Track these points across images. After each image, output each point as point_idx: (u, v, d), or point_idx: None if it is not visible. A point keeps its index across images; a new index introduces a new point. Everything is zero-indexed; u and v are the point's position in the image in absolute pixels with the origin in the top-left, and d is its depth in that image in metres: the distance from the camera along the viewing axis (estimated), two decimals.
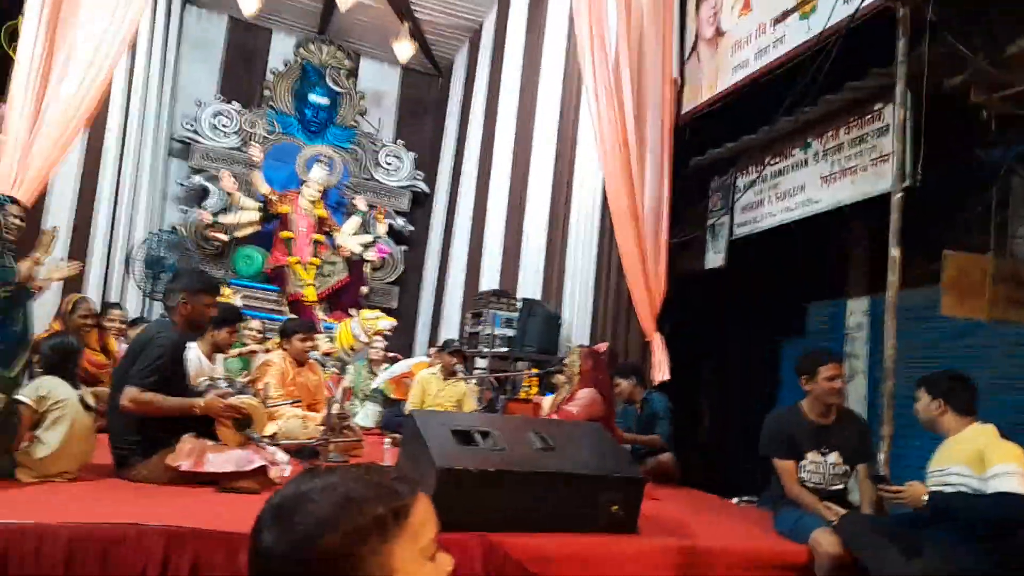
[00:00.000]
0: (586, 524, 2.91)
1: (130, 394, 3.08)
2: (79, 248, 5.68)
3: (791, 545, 3.14)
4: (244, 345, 6.03)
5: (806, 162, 5.08)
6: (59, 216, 6.49)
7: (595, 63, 5.85)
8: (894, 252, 3.45)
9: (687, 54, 5.96)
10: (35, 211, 5.41)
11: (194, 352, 3.88)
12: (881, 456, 3.27)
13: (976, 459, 2.81)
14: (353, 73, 10.96)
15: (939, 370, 3.14)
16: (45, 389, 2.99)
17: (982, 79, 3.73)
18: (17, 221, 4.22)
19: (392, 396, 6.39)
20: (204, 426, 3.24)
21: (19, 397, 2.95)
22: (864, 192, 4.52)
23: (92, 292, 6.59)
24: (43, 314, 4.66)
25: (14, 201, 4.35)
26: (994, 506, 2.71)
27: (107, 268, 7.52)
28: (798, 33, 4.66)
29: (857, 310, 5.45)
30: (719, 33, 5.58)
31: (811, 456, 3.34)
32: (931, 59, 3.73)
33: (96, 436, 3.20)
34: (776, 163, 5.33)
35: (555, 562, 2.73)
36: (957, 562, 2.69)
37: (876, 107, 4.52)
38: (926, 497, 2.87)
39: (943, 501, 2.85)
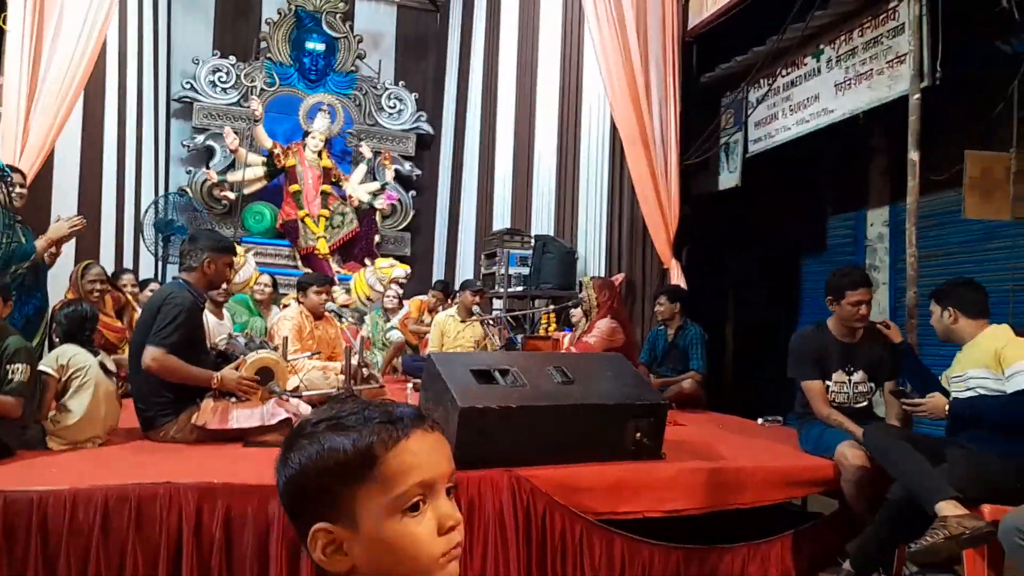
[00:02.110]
0: (611, 453, 2.92)
1: (153, 353, 3.09)
2: (89, 217, 5.67)
3: (817, 460, 3.15)
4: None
5: (819, 70, 4.90)
6: (66, 185, 6.45)
7: None
8: (913, 156, 3.33)
9: None
10: (42, 182, 5.37)
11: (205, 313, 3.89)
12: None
13: (994, 360, 2.77)
14: (348, 16, 10.68)
15: (949, 280, 3.06)
16: (65, 357, 3.02)
17: None
18: (18, 188, 4.20)
19: (410, 343, 6.42)
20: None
21: (42, 367, 2.98)
22: (881, 97, 4.36)
23: (106, 259, 6.60)
24: (59, 285, 4.69)
25: (15, 170, 4.32)
26: (1014, 405, 2.67)
27: (119, 234, 7.52)
28: None
29: (877, 220, 5.33)
30: None
31: (836, 376, 3.29)
32: None
33: (120, 401, 3.24)
34: (788, 74, 5.15)
35: (583, 491, 2.76)
36: (982, 465, 2.68)
37: (890, 5, 4.32)
38: (947, 407, 2.84)
39: (963, 407, 2.82)
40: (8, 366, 2.76)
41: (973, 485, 2.61)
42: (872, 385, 3.34)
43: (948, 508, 2.47)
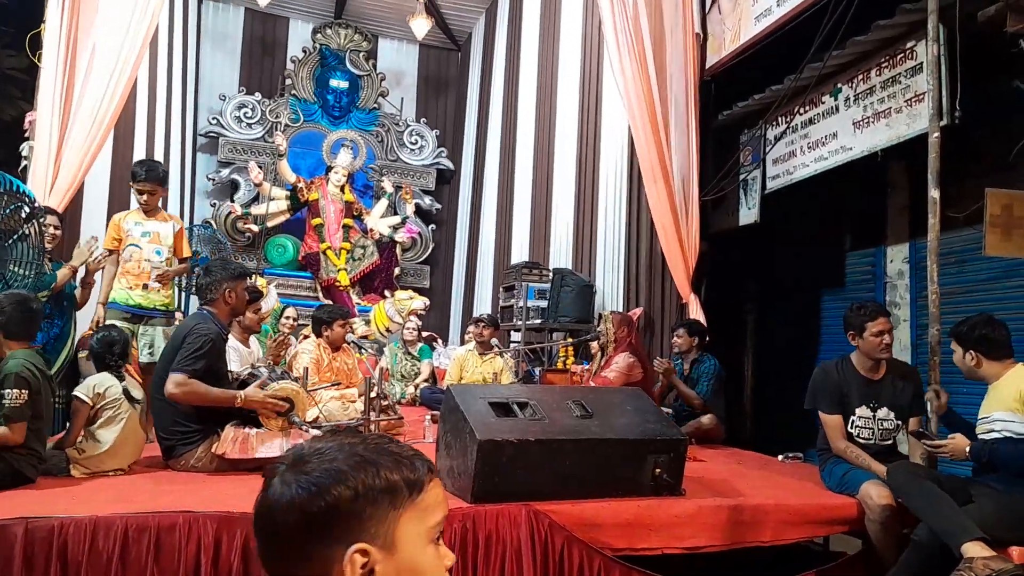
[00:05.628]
0: (631, 489, 2.90)
1: (176, 379, 3.13)
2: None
3: (840, 499, 3.11)
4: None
5: (837, 108, 4.93)
6: (95, 219, 6.58)
7: (615, 22, 5.72)
8: (934, 193, 3.33)
9: (708, 6, 5.80)
10: (71, 215, 5.48)
11: (231, 342, 3.95)
12: (930, 405, 3.18)
13: (1019, 402, 2.74)
14: (372, 54, 10.94)
15: (968, 317, 3.03)
16: (102, 387, 3.05)
17: (1018, 6, 3.56)
18: (51, 230, 4.30)
19: None
20: (248, 413, 3.30)
21: (76, 393, 3.01)
22: (899, 135, 4.37)
23: None
24: (88, 314, 4.77)
25: (51, 211, 4.43)
26: None
27: None
28: None
29: (897, 257, 5.31)
30: None
31: (860, 411, 3.26)
32: None
33: (144, 432, 3.27)
34: (806, 112, 5.18)
35: (601, 527, 2.73)
36: (1010, 506, 2.64)
37: (908, 45, 4.35)
38: (968, 448, 2.81)
39: (985, 450, 2.79)
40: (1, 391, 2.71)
41: (1001, 526, 2.57)
42: (898, 423, 3.30)
43: (975, 549, 2.43)
